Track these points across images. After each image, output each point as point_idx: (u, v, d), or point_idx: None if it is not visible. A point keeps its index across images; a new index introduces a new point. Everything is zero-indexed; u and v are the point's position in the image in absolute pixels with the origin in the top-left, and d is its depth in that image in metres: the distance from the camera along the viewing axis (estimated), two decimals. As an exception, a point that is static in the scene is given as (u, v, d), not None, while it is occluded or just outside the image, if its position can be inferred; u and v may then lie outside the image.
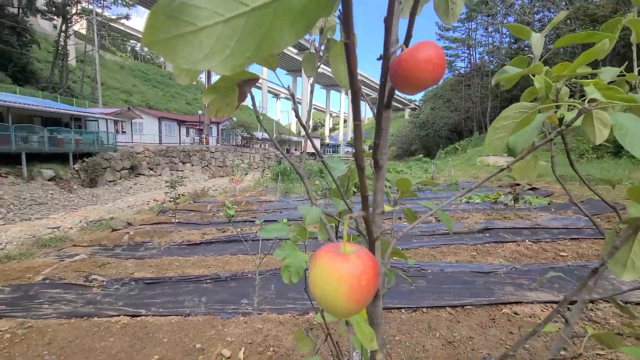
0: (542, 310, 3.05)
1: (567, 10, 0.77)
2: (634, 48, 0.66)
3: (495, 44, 41.68)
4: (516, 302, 3.27)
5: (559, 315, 0.74)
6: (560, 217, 6.62)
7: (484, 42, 43.29)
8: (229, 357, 2.62)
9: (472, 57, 44.15)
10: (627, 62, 0.68)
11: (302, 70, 0.67)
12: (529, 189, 10.17)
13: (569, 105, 0.54)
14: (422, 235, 5.98)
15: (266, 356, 2.61)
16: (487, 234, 5.83)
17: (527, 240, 5.28)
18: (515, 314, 3.11)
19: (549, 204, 8.28)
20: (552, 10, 29.25)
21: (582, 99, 0.49)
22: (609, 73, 0.61)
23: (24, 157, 14.75)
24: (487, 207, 8.23)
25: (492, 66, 40.17)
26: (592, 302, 0.67)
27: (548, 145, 0.71)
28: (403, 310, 3.30)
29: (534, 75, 0.63)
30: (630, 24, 0.66)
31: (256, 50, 0.16)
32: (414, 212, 0.65)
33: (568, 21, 26.16)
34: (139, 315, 3.49)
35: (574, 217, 6.58)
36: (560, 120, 0.54)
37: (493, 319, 3.02)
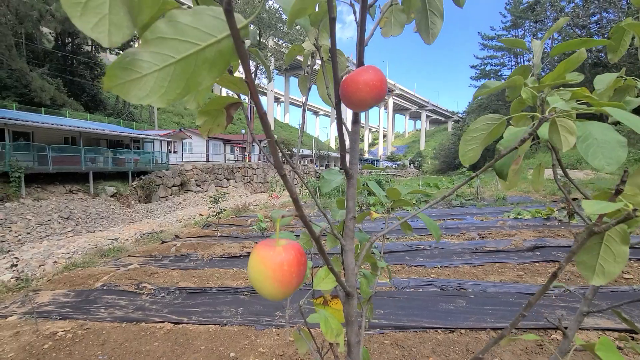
0: (598, 338, 2.74)
1: (567, 17, 0.76)
2: None
3: (546, 50, 39.27)
4: (567, 328, 2.97)
5: (553, 322, 0.72)
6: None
7: (532, 49, 40.96)
8: (260, 368, 2.68)
9: (519, 65, 41.97)
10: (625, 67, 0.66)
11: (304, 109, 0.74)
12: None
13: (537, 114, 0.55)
14: (463, 252, 5.68)
15: (296, 369, 2.63)
16: (538, 252, 5.38)
17: (584, 261, 4.78)
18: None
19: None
20: (610, 11, 27.01)
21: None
22: (603, 81, 0.60)
23: (91, 175, 16.55)
24: (539, 224, 7.60)
25: (543, 73, 37.72)
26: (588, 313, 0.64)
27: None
28: (439, 331, 3.14)
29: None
30: (630, 27, 0.65)
31: (185, 88, 0.23)
32: (408, 223, 0.67)
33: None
34: (181, 323, 3.71)
35: (639, 235, 5.84)
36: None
37: (540, 345, 2.77)
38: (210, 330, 3.46)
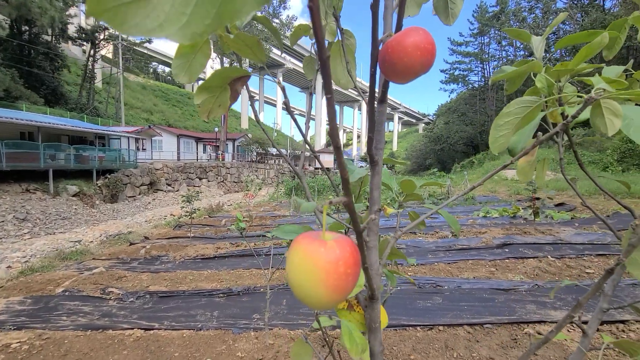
0: (568, 331, 2.88)
1: (567, 12, 0.76)
2: None
3: (509, 57, 41.43)
4: (539, 322, 3.11)
5: (574, 324, 0.70)
6: (585, 232, 6.33)
7: (497, 56, 43.11)
8: (239, 373, 2.58)
9: (485, 71, 43.92)
10: (632, 60, 0.66)
11: (315, 86, 0.68)
12: (557, 205, 9.80)
13: (577, 97, 0.53)
14: (437, 250, 5.83)
15: (276, 373, 2.56)
16: (507, 249, 5.62)
17: (549, 256, 5.05)
18: (539, 333, 2.94)
19: (572, 218, 7.94)
20: (567, 23, 28.94)
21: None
22: (612, 71, 0.60)
23: (51, 173, 15.44)
24: (506, 222, 7.97)
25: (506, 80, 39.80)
26: (606, 310, 0.63)
27: (561, 155, 0.69)
28: (418, 328, 3.18)
29: (535, 76, 0.62)
30: (635, 21, 0.65)
31: (216, 17, 0.15)
32: (417, 213, 0.64)
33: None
34: (152, 329, 3.51)
35: (600, 232, 6.28)
36: (565, 117, 0.53)
37: (515, 338, 2.87)
38: (184, 335, 3.30)
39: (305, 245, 0.29)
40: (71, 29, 31.61)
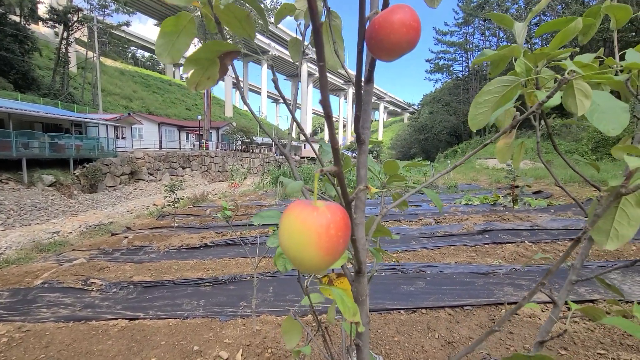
0: (542, 311, 3.03)
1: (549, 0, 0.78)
2: (614, 34, 0.67)
3: (492, 47, 42.00)
4: (516, 302, 3.26)
5: (544, 292, 0.74)
6: (560, 219, 6.61)
7: (481, 46, 43.59)
8: (226, 359, 2.60)
9: (469, 61, 44.39)
10: (603, 48, 0.69)
11: (299, 74, 0.67)
12: (534, 193, 10.15)
13: (553, 82, 0.55)
14: (421, 237, 5.97)
15: (264, 358, 2.59)
16: (487, 236, 5.82)
17: (526, 242, 5.27)
18: (515, 314, 3.09)
19: (548, 205, 8.27)
20: (548, 15, 29.48)
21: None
22: (585, 58, 0.62)
23: (24, 163, 14.78)
24: (487, 209, 8.22)
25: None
26: (576, 282, 0.68)
27: (545, 140, 0.72)
28: (402, 312, 3.28)
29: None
30: (607, 10, 0.67)
31: None
32: (400, 194, 0.65)
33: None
34: (137, 319, 3.47)
35: (574, 219, 6.57)
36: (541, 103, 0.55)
37: (493, 319, 3.01)
38: (171, 324, 3.29)
39: (299, 210, 0.30)
40: (42, 9, 29.84)
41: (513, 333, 2.76)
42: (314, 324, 3.03)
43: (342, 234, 0.30)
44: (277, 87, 0.51)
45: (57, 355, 2.78)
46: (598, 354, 2.44)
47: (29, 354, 2.82)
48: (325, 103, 0.32)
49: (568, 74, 0.47)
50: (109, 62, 49.48)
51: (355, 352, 0.51)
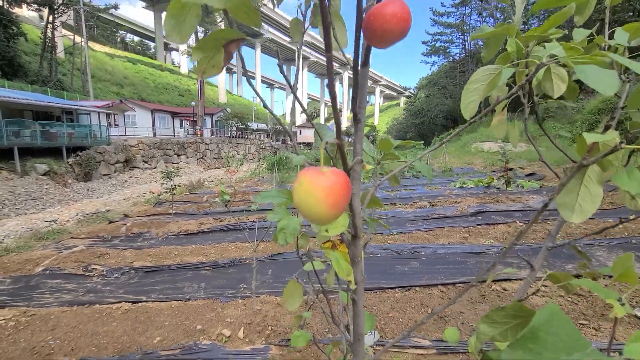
0: (530, 286, 3.17)
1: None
2: (607, 11, 0.71)
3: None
4: (505, 280, 3.39)
5: (525, 259, 0.81)
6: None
7: (478, 27, 42.87)
8: (229, 337, 2.71)
9: (466, 43, 43.80)
10: (597, 25, 0.72)
11: (296, 59, 0.71)
12: (527, 175, 10.29)
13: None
14: (416, 219, 6.09)
15: (265, 334, 2.71)
16: (480, 217, 5.95)
17: (517, 222, 5.40)
18: (504, 290, 3.23)
19: (540, 187, 8.41)
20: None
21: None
22: (580, 34, 0.66)
23: (16, 152, 14.60)
24: (480, 192, 8.36)
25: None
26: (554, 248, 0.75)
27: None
28: (397, 290, 3.41)
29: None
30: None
31: None
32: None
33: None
34: (140, 302, 3.57)
35: (565, 199, 6.71)
36: (528, 80, 0.59)
37: (483, 295, 3.14)
38: (173, 306, 3.39)
39: (309, 175, 0.37)
40: (25, -8, 28.73)
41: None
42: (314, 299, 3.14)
43: (344, 193, 0.39)
44: (282, 72, 0.55)
45: (64, 336, 2.87)
46: (580, 324, 2.58)
47: (36, 335, 2.91)
48: (331, 86, 0.37)
49: (546, 58, 0.52)
50: (97, 46, 48.17)
51: (352, 306, 0.58)
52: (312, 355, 2.42)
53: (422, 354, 2.37)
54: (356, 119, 0.48)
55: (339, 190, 0.37)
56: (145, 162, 21.94)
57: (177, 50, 60.02)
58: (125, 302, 3.58)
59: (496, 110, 0.72)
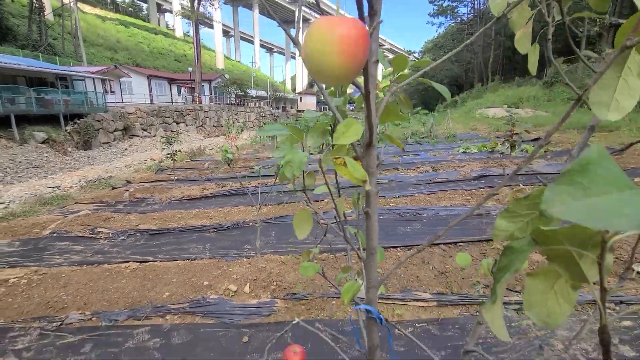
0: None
1: None
2: None
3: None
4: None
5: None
6: (555, 163, 6.70)
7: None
8: (235, 291, 2.79)
9: (476, 2, 41.42)
10: None
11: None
12: (533, 140, 10.13)
13: None
14: (418, 183, 6.09)
15: (270, 290, 2.79)
16: (482, 181, 5.94)
17: (521, 185, 5.39)
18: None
19: (545, 151, 8.31)
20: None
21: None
22: None
23: (13, 119, 14.39)
24: (484, 157, 8.28)
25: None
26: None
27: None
28: (399, 249, 3.46)
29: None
30: None
31: None
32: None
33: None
34: (147, 262, 3.66)
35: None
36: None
37: (484, 253, 3.19)
38: (180, 265, 3.47)
39: (324, 21, 0.31)
40: (5, -53, 26.85)
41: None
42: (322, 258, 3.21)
43: (362, 42, 0.32)
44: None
45: (76, 292, 2.97)
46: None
47: (49, 292, 3.00)
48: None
49: None
50: (87, 8, 45.91)
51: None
52: (317, 307, 2.51)
53: (422, 306, 2.44)
54: (366, 70, 0.42)
55: (356, 38, 0.31)
56: (144, 129, 21.70)
57: (170, 12, 57.07)
58: (133, 261, 3.67)
59: (520, 22, 0.65)
